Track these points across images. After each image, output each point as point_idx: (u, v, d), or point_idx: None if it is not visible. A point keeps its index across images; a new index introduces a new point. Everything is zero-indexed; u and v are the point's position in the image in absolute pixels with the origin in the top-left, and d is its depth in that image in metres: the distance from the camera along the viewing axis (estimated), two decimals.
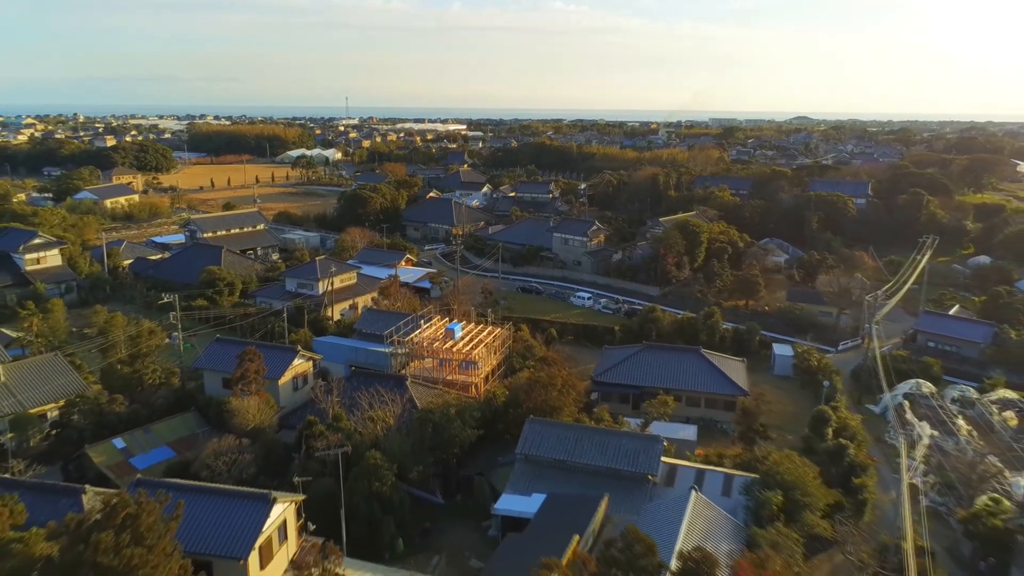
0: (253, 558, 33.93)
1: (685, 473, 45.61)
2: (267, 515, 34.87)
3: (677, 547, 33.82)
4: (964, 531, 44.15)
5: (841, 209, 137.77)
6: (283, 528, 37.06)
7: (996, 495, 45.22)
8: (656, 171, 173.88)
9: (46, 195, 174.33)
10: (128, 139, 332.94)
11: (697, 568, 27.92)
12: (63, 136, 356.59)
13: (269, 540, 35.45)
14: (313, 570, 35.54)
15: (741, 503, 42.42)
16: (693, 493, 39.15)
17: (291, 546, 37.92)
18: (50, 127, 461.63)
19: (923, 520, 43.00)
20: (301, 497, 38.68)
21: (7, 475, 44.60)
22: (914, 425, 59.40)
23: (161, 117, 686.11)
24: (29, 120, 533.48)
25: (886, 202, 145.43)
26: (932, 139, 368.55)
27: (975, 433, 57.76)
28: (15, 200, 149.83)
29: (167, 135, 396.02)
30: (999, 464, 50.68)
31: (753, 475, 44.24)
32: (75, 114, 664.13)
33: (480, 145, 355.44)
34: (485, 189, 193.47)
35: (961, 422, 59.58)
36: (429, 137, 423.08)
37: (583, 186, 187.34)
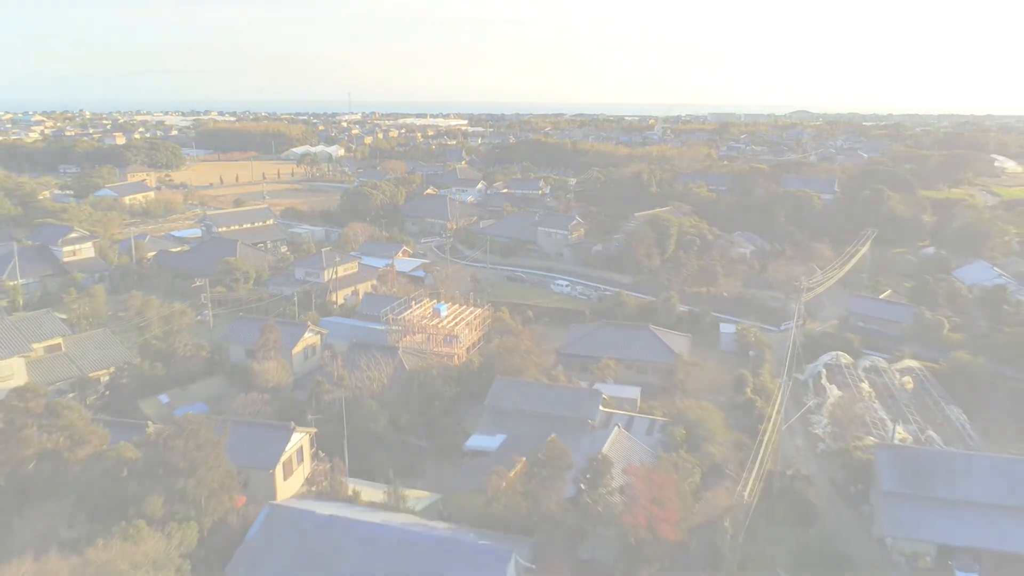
0: (278, 470, 45.44)
1: (619, 418, 56.85)
2: (288, 439, 46.35)
3: None
4: (840, 464, 55.45)
5: (807, 204, 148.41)
6: (300, 453, 48.54)
7: (866, 436, 56.44)
8: (641, 168, 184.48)
9: (67, 192, 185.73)
10: (137, 136, 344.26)
11: (599, 466, 39.11)
12: (73, 133, 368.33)
13: (290, 459, 46.95)
14: (324, 483, 46.98)
15: (659, 440, 53.73)
16: (616, 429, 50.48)
17: (306, 468, 49.38)
18: (59, 124, 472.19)
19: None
20: (314, 429, 50.09)
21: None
22: (826, 388, 70.68)
23: (166, 113, 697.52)
24: (38, 117, 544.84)
25: (850, 197, 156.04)
26: (922, 134, 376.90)
27: (873, 394, 68.84)
28: (40, 197, 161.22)
29: (174, 132, 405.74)
30: (882, 414, 61.95)
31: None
32: (81, 110, 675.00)
33: (479, 142, 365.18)
34: (480, 186, 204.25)
35: (864, 385, 70.76)
36: (430, 133, 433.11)
37: (572, 182, 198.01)
